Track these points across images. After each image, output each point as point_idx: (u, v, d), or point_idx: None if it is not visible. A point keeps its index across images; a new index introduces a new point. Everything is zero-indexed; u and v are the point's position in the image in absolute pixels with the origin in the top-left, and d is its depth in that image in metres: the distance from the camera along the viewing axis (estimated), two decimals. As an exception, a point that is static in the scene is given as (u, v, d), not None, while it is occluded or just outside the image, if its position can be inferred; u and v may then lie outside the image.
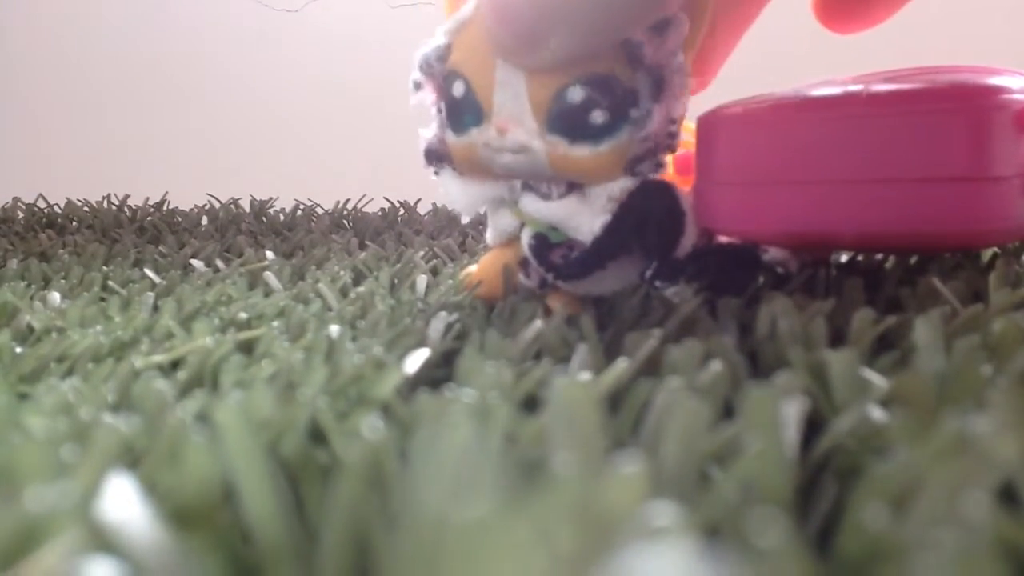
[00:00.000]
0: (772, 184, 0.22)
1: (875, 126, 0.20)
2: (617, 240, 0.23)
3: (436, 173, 0.25)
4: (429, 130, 0.25)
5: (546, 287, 0.25)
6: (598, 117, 0.21)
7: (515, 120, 0.22)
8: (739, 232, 0.24)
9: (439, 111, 0.24)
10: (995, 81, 0.20)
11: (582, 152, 0.22)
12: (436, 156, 0.25)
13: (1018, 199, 0.20)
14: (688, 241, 0.23)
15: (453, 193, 0.25)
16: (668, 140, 0.22)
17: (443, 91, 0.24)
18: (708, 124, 0.23)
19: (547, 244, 0.24)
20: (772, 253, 0.24)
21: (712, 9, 0.23)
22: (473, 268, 0.27)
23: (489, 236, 0.26)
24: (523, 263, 0.25)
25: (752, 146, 0.22)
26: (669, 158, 0.23)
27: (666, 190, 0.23)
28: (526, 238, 0.24)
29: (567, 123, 0.21)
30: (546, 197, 0.23)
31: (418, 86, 0.24)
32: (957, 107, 0.20)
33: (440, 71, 0.24)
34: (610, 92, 0.21)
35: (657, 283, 0.23)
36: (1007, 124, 0.20)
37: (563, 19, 0.20)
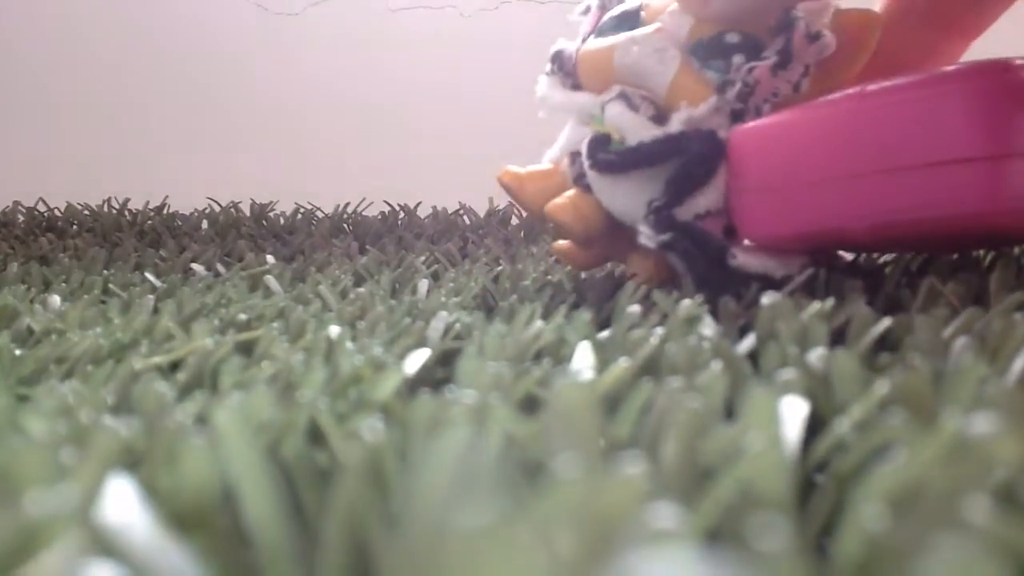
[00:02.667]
0: (794, 186, 0.22)
1: (884, 115, 0.20)
2: (653, 153, 0.25)
3: (548, 72, 0.29)
4: (570, 44, 0.28)
5: (580, 183, 0.27)
6: (738, 59, 0.25)
7: (668, 31, 0.25)
8: (766, 237, 0.24)
9: (592, 28, 0.28)
10: (1006, 61, 0.20)
11: (704, 77, 0.25)
12: (561, 61, 0.28)
13: None
14: (703, 201, 0.25)
15: (549, 92, 0.28)
16: (763, 96, 0.24)
17: (611, 6, 0.27)
18: (736, 140, 0.25)
19: (605, 143, 0.26)
20: (744, 260, 0.24)
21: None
22: (517, 169, 0.29)
23: (553, 149, 0.29)
24: (573, 154, 0.28)
25: (769, 154, 0.23)
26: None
27: (714, 143, 0.25)
28: (589, 135, 0.27)
29: (710, 51, 0.25)
30: (634, 108, 0.26)
31: (588, 10, 0.28)
32: (968, 84, 0.19)
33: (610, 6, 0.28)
34: (757, 50, 0.25)
35: (649, 217, 0.25)
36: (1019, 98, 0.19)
37: None
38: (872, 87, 0.21)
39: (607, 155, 0.26)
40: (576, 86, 0.28)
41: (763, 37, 0.25)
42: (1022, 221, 0.23)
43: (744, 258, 0.24)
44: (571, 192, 0.27)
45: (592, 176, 0.26)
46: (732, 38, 0.25)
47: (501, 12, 0.90)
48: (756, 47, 0.25)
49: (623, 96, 0.26)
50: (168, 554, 0.09)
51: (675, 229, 0.25)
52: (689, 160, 0.25)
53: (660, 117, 0.26)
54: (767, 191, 0.23)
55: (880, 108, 0.21)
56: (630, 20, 0.27)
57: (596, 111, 0.27)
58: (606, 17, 0.28)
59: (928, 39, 0.26)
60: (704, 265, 0.25)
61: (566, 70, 0.28)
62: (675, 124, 0.25)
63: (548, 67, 0.29)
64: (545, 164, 0.29)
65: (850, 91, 0.22)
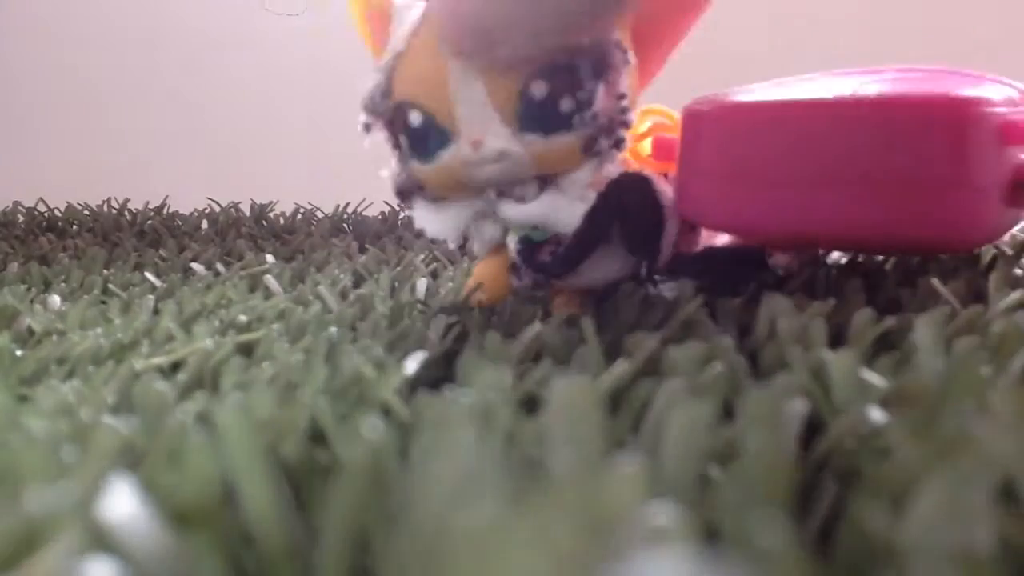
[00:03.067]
0: (756, 180, 0.22)
1: (861, 129, 0.21)
2: (596, 231, 0.23)
3: (411, 208, 0.26)
4: (391, 168, 0.25)
5: (541, 286, 0.25)
6: (566, 105, 0.22)
7: (486, 130, 0.22)
8: (720, 226, 0.24)
9: (396, 147, 0.25)
10: (979, 91, 0.21)
11: (561, 143, 0.22)
12: (408, 192, 0.25)
13: (995, 207, 0.21)
14: (671, 233, 0.23)
15: (432, 224, 0.25)
16: (621, 116, 0.23)
17: (397, 125, 0.24)
18: (694, 115, 0.23)
19: (533, 246, 0.24)
20: (780, 258, 0.24)
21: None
22: (471, 279, 0.27)
23: (476, 248, 0.26)
24: (513, 267, 0.26)
25: (737, 141, 0.23)
26: (629, 136, 0.23)
27: (642, 185, 0.23)
28: (512, 244, 0.25)
29: (539, 119, 0.22)
30: (521, 200, 0.24)
31: (368, 127, 0.25)
32: (943, 116, 0.20)
33: (387, 107, 0.24)
34: (572, 78, 0.22)
35: (657, 278, 0.23)
36: (990, 135, 0.20)
37: (516, 23, 0.21)
38: (865, 94, 0.21)
39: (552, 261, 0.24)
40: (438, 198, 0.25)
41: (566, 57, 0.22)
42: (976, 245, 0.24)
43: (777, 256, 0.24)
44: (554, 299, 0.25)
45: (554, 279, 0.25)
46: (539, 91, 0.22)
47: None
48: (567, 74, 0.22)
49: (503, 195, 0.24)
50: (168, 552, 0.09)
51: (688, 266, 0.24)
52: (635, 215, 0.23)
53: (542, 181, 0.23)
54: (730, 180, 0.23)
55: (870, 122, 0.21)
56: (435, 134, 0.23)
57: (487, 211, 0.24)
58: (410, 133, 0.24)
59: None
60: (750, 272, 0.24)
61: (420, 195, 0.25)
62: (579, 191, 0.23)
63: (406, 205, 0.26)
64: (482, 258, 0.27)
65: (837, 93, 0.22)
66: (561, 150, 0.22)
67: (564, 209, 0.23)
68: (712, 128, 0.23)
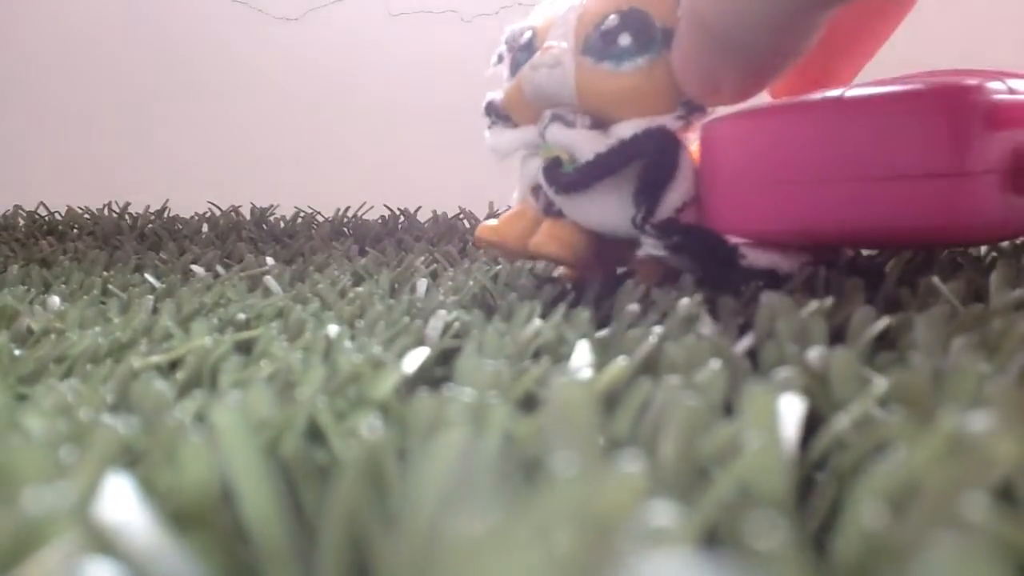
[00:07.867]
0: (759, 185, 0.23)
1: (851, 126, 0.21)
2: (611, 162, 0.25)
3: (490, 126, 0.28)
4: (497, 93, 0.28)
5: (551, 212, 0.27)
6: (624, 40, 0.24)
7: (559, 40, 0.25)
8: (733, 230, 0.24)
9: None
10: (968, 79, 0.21)
11: (603, 70, 0.24)
12: (495, 111, 0.28)
13: (994, 195, 0.21)
14: (676, 196, 0.25)
15: (495, 140, 0.28)
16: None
17: (514, 47, 0.27)
18: (705, 130, 0.25)
19: (558, 166, 0.26)
20: (753, 257, 0.24)
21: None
22: (490, 222, 0.28)
23: (516, 193, 0.28)
24: (535, 188, 0.27)
25: (742, 150, 0.24)
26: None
27: (667, 139, 0.24)
28: (543, 164, 0.26)
29: (598, 44, 0.24)
30: (570, 125, 0.25)
31: (500, 59, 0.28)
32: (928, 104, 0.20)
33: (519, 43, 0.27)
34: (642, 24, 0.24)
35: (648, 229, 0.25)
36: (981, 119, 0.20)
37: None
38: (850, 95, 0.22)
39: (567, 176, 0.25)
40: (516, 126, 0.28)
41: (645, 6, 0.24)
42: (982, 236, 0.24)
43: (753, 256, 0.24)
44: (546, 224, 0.27)
45: (560, 200, 0.26)
46: (612, 22, 0.24)
47: (501, 16, 0.90)
48: (640, 18, 0.24)
49: (556, 117, 0.26)
50: (167, 552, 0.09)
51: (679, 232, 0.24)
52: (650, 164, 0.24)
53: (597, 123, 0.25)
54: (740, 188, 0.24)
55: (855, 117, 0.21)
56: (529, 49, 0.26)
57: (539, 140, 0.26)
58: (518, 49, 0.27)
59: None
60: (714, 265, 0.24)
61: (501, 115, 0.28)
62: (628, 129, 0.25)
63: (487, 121, 0.29)
64: (515, 206, 0.29)
65: (826, 96, 0.22)
66: (601, 79, 0.24)
67: (598, 144, 0.25)
68: (720, 141, 0.24)
